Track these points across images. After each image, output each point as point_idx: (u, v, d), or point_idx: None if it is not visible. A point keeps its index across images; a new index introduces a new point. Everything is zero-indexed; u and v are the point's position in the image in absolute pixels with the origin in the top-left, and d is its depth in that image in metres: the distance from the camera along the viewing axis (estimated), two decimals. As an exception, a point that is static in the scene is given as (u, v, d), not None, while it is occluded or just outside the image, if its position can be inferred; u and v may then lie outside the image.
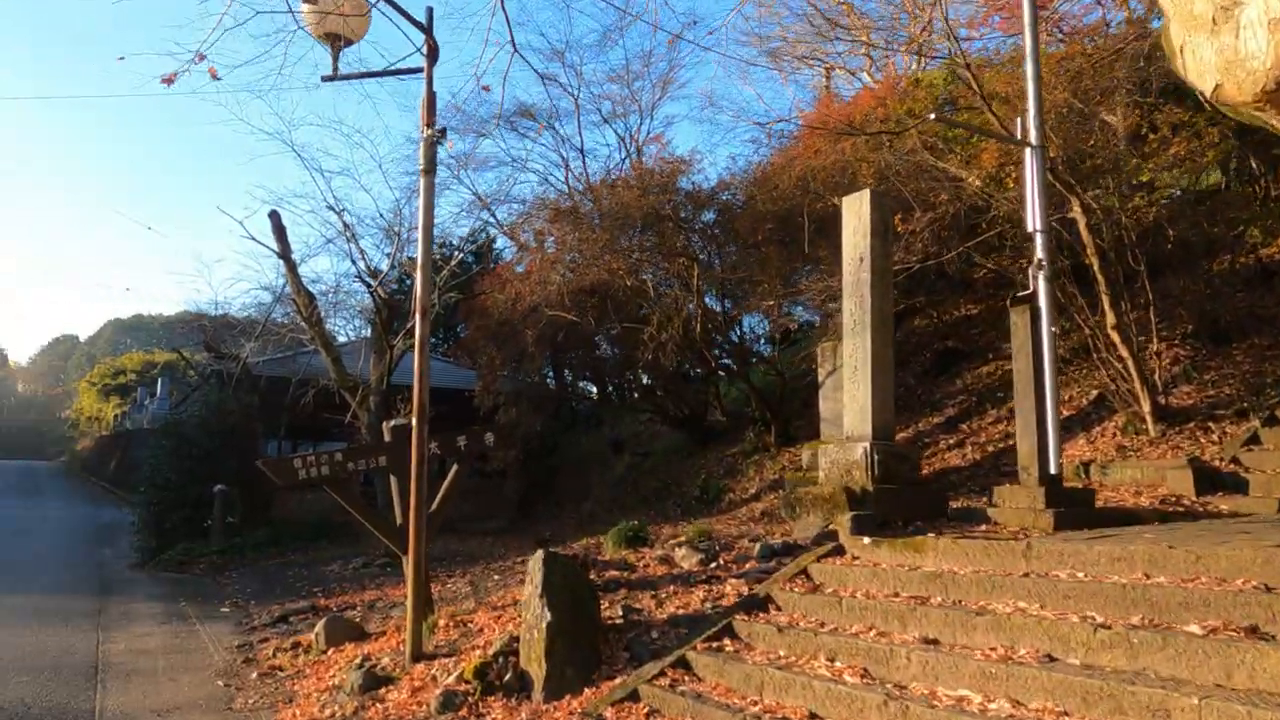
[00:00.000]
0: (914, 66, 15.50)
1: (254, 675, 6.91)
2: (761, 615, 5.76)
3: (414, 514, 6.51)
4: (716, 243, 12.03)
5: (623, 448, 19.34)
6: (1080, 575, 4.77)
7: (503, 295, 13.36)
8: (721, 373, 14.22)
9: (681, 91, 30.70)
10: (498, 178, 30.38)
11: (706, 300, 12.39)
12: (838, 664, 4.81)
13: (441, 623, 7.11)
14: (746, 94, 43.24)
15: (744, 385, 13.73)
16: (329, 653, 7.26)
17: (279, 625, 8.94)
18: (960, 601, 5.03)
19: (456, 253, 20.10)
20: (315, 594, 10.62)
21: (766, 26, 17.36)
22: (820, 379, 11.28)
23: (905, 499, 7.81)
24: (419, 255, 6.73)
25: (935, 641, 4.66)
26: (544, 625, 5.63)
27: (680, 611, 6.26)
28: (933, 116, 8.17)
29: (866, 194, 8.39)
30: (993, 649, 4.36)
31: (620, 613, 6.34)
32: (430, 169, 6.81)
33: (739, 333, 14.07)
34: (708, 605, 6.33)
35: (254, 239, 14.71)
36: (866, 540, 6.28)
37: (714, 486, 13.71)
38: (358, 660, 6.65)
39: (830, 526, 7.80)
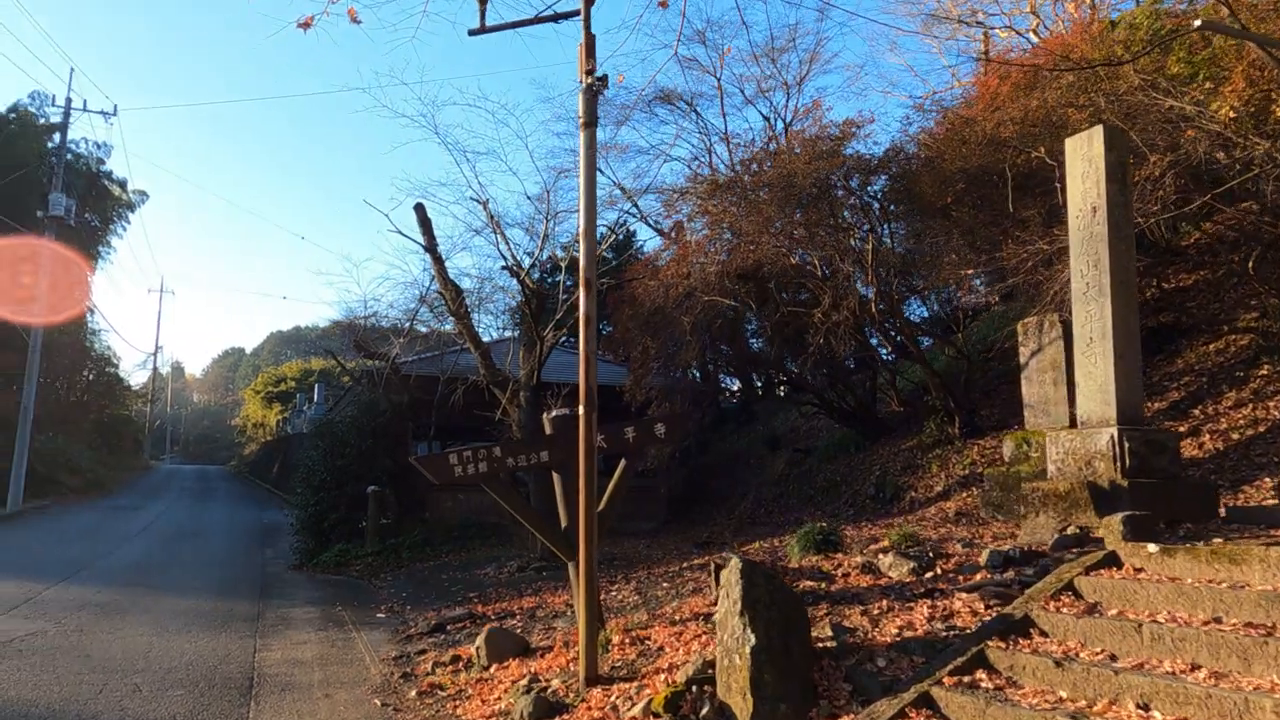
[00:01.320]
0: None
1: (413, 693, 6.25)
2: (1023, 642, 4.58)
3: (583, 515, 5.66)
4: (890, 213, 10.74)
5: (779, 444, 18.17)
6: None
7: (655, 282, 12.51)
8: (897, 357, 12.87)
9: (828, 67, 29.20)
10: (636, 167, 29.75)
11: (880, 276, 11.13)
12: (1157, 716, 3.60)
13: (615, 639, 6.25)
14: (894, 67, 41.19)
15: (921, 371, 12.34)
16: (492, 669, 6.52)
17: (436, 634, 8.34)
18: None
19: (599, 244, 19.47)
20: (471, 600, 10.05)
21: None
22: (1022, 359, 9.83)
23: (1165, 496, 6.40)
24: (580, 221, 5.89)
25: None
26: (747, 650, 4.64)
27: (906, 634, 5.14)
28: (1198, 23, 6.65)
29: (1098, 131, 7.00)
30: None
31: (830, 633, 5.28)
32: (591, 121, 5.97)
33: (916, 312, 12.69)
34: (938, 625, 5.19)
35: (400, 232, 14.57)
36: (1152, 548, 4.97)
37: (891, 484, 12.40)
38: (524, 681, 5.87)
39: (1069, 529, 6.50)
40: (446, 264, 13.32)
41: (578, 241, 5.90)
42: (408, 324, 15.22)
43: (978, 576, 5.89)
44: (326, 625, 9.16)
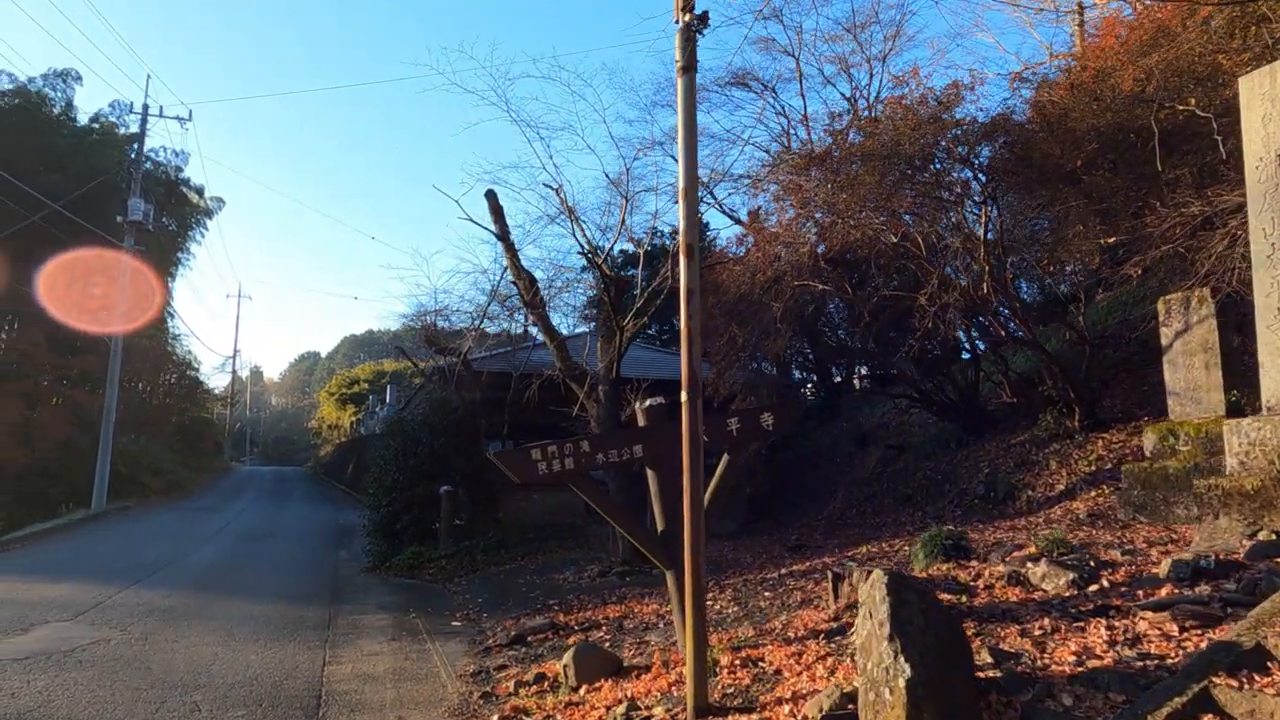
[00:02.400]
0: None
1: (495, 719, 5.55)
2: (1261, 680, 3.63)
3: (689, 516, 4.87)
4: (1003, 183, 9.69)
5: (867, 440, 17.14)
6: None
7: (740, 267, 11.68)
8: (1006, 343, 11.77)
9: (910, 44, 27.92)
10: (711, 152, 29.00)
11: (993, 253, 10.12)
12: None
13: (723, 660, 5.45)
14: (981, 44, 39.58)
15: (1034, 358, 11.24)
16: (581, 691, 5.79)
17: (516, 646, 7.66)
18: None
19: (670, 240, 18.72)
20: (552, 608, 9.36)
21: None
22: (1164, 341, 8.71)
23: (1384, 495, 5.32)
24: (680, 178, 5.11)
25: None
26: (901, 683, 3.80)
27: (1090, 662, 4.22)
28: None
29: (1281, 65, 5.94)
30: None
31: (989, 659, 4.40)
32: (690, 65, 5.19)
33: (1025, 293, 11.58)
34: (1126, 653, 4.26)
35: (472, 219, 14.07)
36: None
37: (1003, 483, 11.32)
38: (621, 708, 5.11)
39: (1261, 533, 5.47)
40: (518, 254, 12.71)
41: (680, 201, 5.12)
42: (479, 320, 14.67)
43: (1162, 592, 4.92)
44: (400, 634, 8.58)
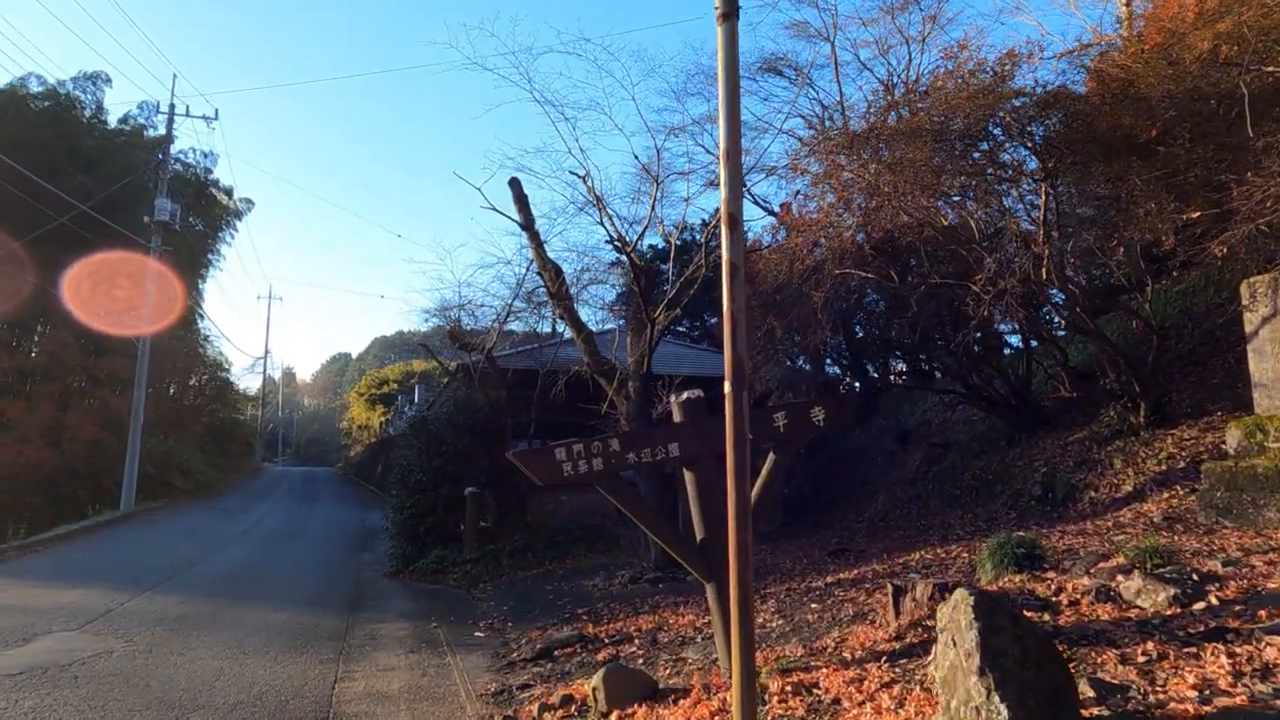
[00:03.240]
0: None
1: (516, 750, 4.98)
2: None
3: (735, 523, 4.25)
4: (1061, 160, 8.96)
5: (909, 439, 16.40)
6: None
7: (777, 255, 11.04)
8: (1065, 332, 11.01)
9: (949, 26, 26.99)
10: (744, 142, 28.34)
11: (1053, 235, 9.41)
12: None
13: (772, 686, 4.82)
14: (1023, 26, 38.53)
15: (1096, 347, 10.48)
16: (613, 717, 5.19)
17: (541, 661, 7.09)
18: None
19: (702, 233, 18.08)
20: (580, 618, 8.78)
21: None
22: (1249, 327, 7.94)
23: None
24: (720, 139, 4.49)
25: None
26: (996, 726, 3.17)
27: (1217, 700, 3.55)
28: None
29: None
30: None
31: (1091, 693, 3.74)
32: (730, 11, 4.56)
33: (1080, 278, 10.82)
34: (1259, 688, 3.59)
35: (494, 208, 13.53)
36: None
37: (1062, 483, 10.57)
38: (659, 741, 4.51)
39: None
40: (544, 245, 12.16)
41: (721, 165, 4.51)
42: (503, 315, 14.14)
43: (1289, 612, 4.23)
44: (419, 646, 8.04)
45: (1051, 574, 5.71)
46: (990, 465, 12.44)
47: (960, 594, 3.54)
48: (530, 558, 12.83)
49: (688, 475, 5.32)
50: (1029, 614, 4.91)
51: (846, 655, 5.29)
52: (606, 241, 11.79)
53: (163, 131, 30.39)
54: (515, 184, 11.74)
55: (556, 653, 7.33)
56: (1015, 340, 13.64)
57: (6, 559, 14.72)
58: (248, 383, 62.41)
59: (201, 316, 40.35)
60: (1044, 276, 9.04)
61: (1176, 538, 7.20)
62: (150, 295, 26.69)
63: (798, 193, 11.95)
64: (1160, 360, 10.42)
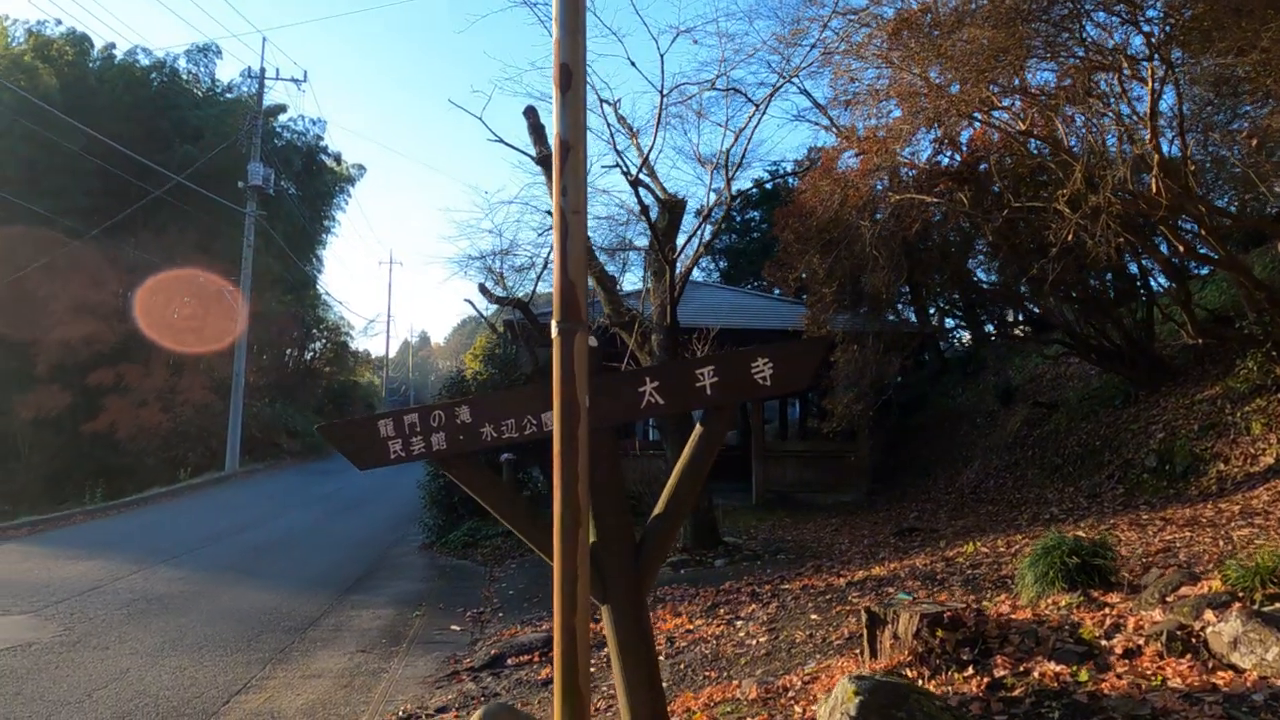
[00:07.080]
0: None
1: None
2: None
3: (559, 567, 2.87)
4: (1176, 23, 6.84)
5: (1014, 397, 14.25)
6: None
7: (827, 182, 9.31)
8: (1187, 268, 8.81)
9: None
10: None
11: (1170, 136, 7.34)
12: None
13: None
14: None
15: (1233, 285, 8.27)
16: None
17: (483, 674, 5.90)
18: None
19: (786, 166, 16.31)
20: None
21: None
22: None
23: None
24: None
25: None
26: None
27: None
28: None
29: None
30: None
31: None
32: None
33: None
34: None
35: (501, 140, 12.30)
36: None
37: (1183, 452, 8.50)
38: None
39: None
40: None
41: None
42: (540, 264, 12.94)
43: None
44: (376, 643, 6.99)
45: (1114, 596, 3.99)
46: (1099, 429, 10.33)
47: (842, 688, 2.04)
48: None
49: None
50: (1056, 667, 3.28)
51: (804, 705, 3.81)
52: (613, 165, 10.28)
53: (272, 100, 30.75)
54: (531, 113, 10.36)
55: (510, 660, 6.13)
56: (1141, 276, 11.33)
57: (70, 524, 14.84)
58: (371, 346, 64.19)
59: (315, 280, 41.18)
60: (1155, 191, 6.98)
61: (1327, 535, 5.27)
62: (247, 262, 27.03)
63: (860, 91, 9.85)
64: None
